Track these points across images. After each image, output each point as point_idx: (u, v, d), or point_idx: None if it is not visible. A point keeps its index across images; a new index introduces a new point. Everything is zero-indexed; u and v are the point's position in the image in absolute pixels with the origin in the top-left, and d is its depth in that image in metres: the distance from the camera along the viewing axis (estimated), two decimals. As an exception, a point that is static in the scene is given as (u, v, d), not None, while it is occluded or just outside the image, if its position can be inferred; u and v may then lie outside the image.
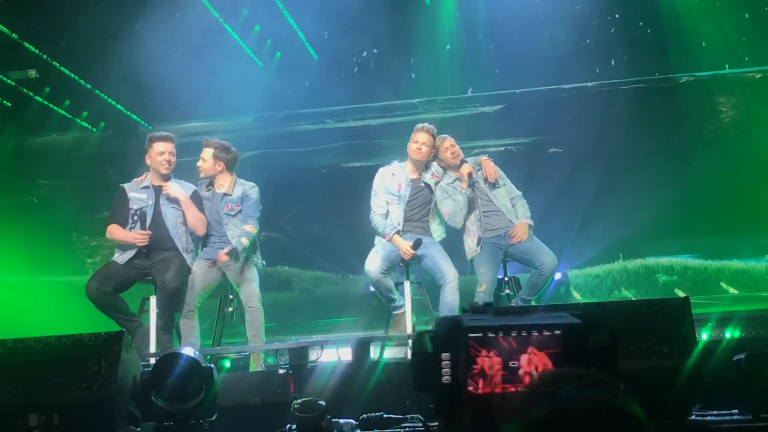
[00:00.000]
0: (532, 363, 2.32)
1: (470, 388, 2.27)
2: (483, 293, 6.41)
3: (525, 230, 6.58)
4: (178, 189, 6.57)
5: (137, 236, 6.35)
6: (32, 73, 11.06)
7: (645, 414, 1.44)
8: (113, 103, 11.85)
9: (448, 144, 6.85)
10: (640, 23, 10.77)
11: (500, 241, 6.64)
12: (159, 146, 6.56)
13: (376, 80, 11.49)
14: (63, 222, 12.40)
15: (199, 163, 6.76)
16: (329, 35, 10.76)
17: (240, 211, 6.67)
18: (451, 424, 2.36)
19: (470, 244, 6.70)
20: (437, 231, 6.82)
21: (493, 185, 6.79)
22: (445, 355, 2.29)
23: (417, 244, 6.45)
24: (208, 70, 11.15)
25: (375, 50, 10.97)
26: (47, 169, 12.71)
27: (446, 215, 6.72)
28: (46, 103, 11.61)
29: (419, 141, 6.75)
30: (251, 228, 6.60)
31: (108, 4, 9.90)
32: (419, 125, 6.86)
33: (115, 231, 6.52)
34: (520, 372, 2.29)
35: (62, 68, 10.95)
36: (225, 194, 6.71)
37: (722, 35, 10.67)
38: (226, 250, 6.42)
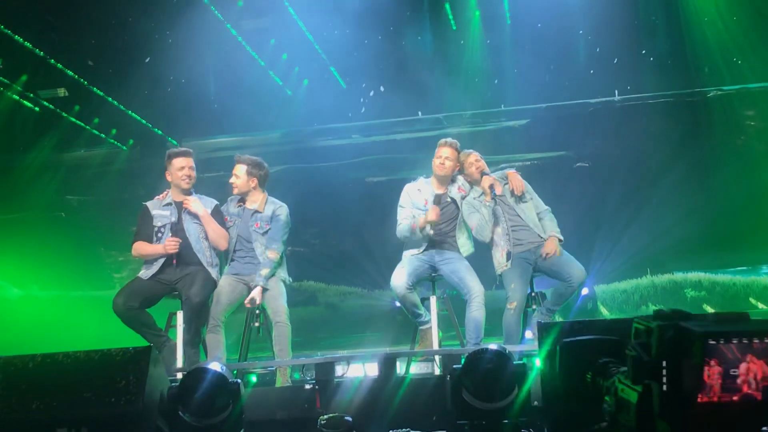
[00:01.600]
0: (751, 371, 2.26)
1: (695, 396, 2.21)
2: (513, 310, 6.34)
3: (556, 245, 6.51)
4: (198, 204, 6.61)
5: (168, 244, 6.39)
6: (62, 91, 11.19)
7: None
8: (141, 120, 11.96)
9: (473, 159, 6.83)
10: (667, 37, 10.74)
11: (529, 256, 6.56)
12: (179, 161, 6.61)
13: (402, 95, 11.53)
14: (91, 237, 12.51)
15: (232, 180, 6.78)
16: (355, 59, 10.88)
17: (269, 230, 6.70)
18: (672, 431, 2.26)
19: (499, 258, 6.63)
20: (465, 246, 6.77)
21: (520, 199, 6.73)
22: (669, 361, 2.20)
23: (437, 200, 6.55)
24: (235, 87, 11.27)
25: (401, 69, 11.00)
26: (76, 184, 12.84)
27: (474, 229, 6.68)
28: (75, 121, 11.73)
29: (442, 156, 6.74)
30: (274, 255, 6.59)
31: (135, 24, 10.02)
32: (442, 140, 6.86)
33: (141, 247, 6.56)
34: (740, 380, 2.21)
35: (92, 87, 11.08)
36: (256, 211, 6.73)
37: (747, 49, 10.61)
38: (254, 297, 6.43)
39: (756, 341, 2.21)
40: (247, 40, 10.86)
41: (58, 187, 12.77)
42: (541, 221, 6.71)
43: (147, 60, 10.46)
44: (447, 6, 10.76)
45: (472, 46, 11.08)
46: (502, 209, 6.70)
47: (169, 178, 6.68)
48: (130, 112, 11.66)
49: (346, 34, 10.48)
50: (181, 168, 6.60)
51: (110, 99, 11.35)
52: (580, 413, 4.06)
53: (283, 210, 6.79)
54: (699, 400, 2.18)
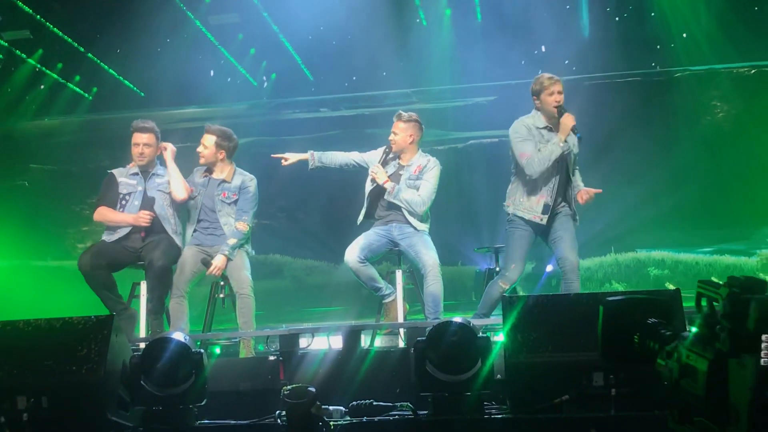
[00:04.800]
0: None
1: None
2: (503, 288, 6.15)
3: (591, 196, 6.31)
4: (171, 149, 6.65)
5: (141, 216, 6.37)
6: (26, 33, 10.87)
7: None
8: (106, 68, 11.62)
9: (557, 88, 6.26)
10: (635, 16, 10.79)
11: (538, 228, 6.27)
12: (135, 137, 6.61)
13: (370, 70, 11.50)
14: (54, 206, 12.37)
15: (200, 149, 6.73)
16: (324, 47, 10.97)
17: (236, 201, 6.65)
18: (719, 413, 2.20)
19: (533, 205, 6.21)
20: (417, 222, 6.65)
21: (573, 168, 6.43)
22: (765, 337, 2.09)
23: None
24: (203, 59, 11.24)
25: (368, 47, 10.98)
26: (39, 153, 12.66)
27: (526, 159, 6.14)
28: (38, 66, 11.41)
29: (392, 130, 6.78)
30: (243, 226, 6.59)
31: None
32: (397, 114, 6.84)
33: (106, 212, 6.52)
34: None
35: (55, 29, 10.77)
36: (223, 180, 6.69)
37: (716, 30, 10.68)
38: (218, 266, 6.40)
39: None
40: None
41: (22, 155, 12.59)
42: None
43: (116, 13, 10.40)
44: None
45: (440, 20, 11.08)
46: (561, 165, 6.26)
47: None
48: (94, 57, 11.35)
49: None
50: (135, 145, 6.59)
51: (75, 43, 11.04)
52: (543, 386, 4.11)
53: (252, 183, 6.76)
54: None
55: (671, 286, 10.62)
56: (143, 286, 6.47)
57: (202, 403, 4.27)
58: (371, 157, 6.85)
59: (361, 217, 6.83)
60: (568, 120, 6.13)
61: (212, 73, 11.66)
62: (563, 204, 6.32)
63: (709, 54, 10.94)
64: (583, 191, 6.37)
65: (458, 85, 11.60)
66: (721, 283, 2.22)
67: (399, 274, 6.68)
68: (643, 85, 11.45)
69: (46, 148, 12.58)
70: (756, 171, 10.69)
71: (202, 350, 4.32)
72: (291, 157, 6.90)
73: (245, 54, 11.64)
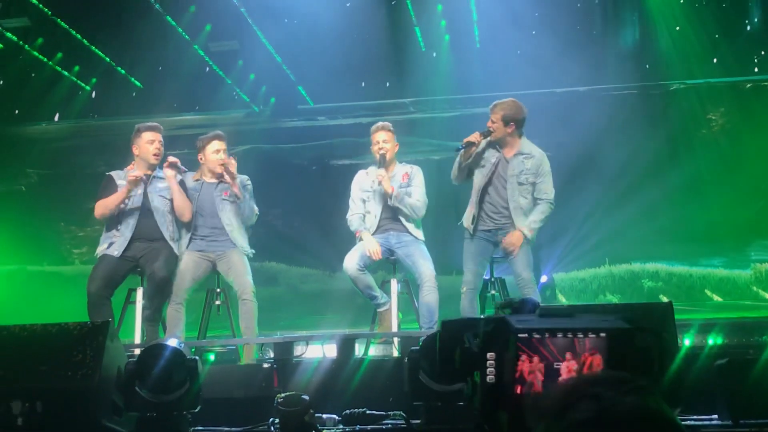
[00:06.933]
0: (576, 366, 2.30)
1: (515, 389, 2.24)
2: (464, 293, 6.33)
3: (517, 240, 6.32)
4: (176, 167, 6.61)
5: (131, 176, 6.35)
6: (24, 21, 10.81)
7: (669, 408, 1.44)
8: (106, 58, 11.57)
9: (383, 137, 6.82)
10: (631, 29, 10.84)
11: (492, 237, 6.49)
12: (148, 135, 6.57)
13: (368, 80, 11.55)
14: (51, 211, 12.37)
15: (224, 156, 6.69)
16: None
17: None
18: (492, 424, 2.33)
19: (467, 214, 6.57)
20: (413, 229, 6.72)
21: (519, 178, 6.47)
22: (491, 355, 2.26)
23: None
24: (200, 64, 11.28)
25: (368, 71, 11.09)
26: (36, 158, 12.65)
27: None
28: (37, 54, 11.33)
29: (380, 140, 6.79)
30: (255, 208, 6.74)
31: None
32: (374, 126, 6.91)
33: (105, 201, 6.48)
34: (563, 375, 2.28)
35: (57, 19, 10.74)
36: (220, 182, 6.70)
37: (711, 44, 10.74)
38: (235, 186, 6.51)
39: (581, 336, 2.26)
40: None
41: (19, 160, 12.59)
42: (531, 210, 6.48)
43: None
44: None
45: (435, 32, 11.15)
46: (489, 175, 6.49)
47: (136, 151, 6.61)
48: (95, 48, 11.32)
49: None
50: (150, 141, 6.55)
51: (75, 33, 11.01)
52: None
53: (249, 180, 6.82)
54: (518, 392, 2.24)
55: (665, 299, 10.68)
56: (139, 293, 6.46)
57: (196, 410, 4.28)
58: (362, 183, 6.89)
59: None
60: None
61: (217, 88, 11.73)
62: (505, 221, 6.45)
63: (706, 68, 11.01)
64: (511, 234, 6.40)
65: (455, 96, 11.65)
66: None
67: (394, 283, 6.68)
68: (638, 98, 11.49)
69: (42, 152, 12.57)
70: (750, 185, 10.73)
71: (196, 357, 4.33)
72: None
73: (245, 79, 11.78)
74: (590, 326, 2.29)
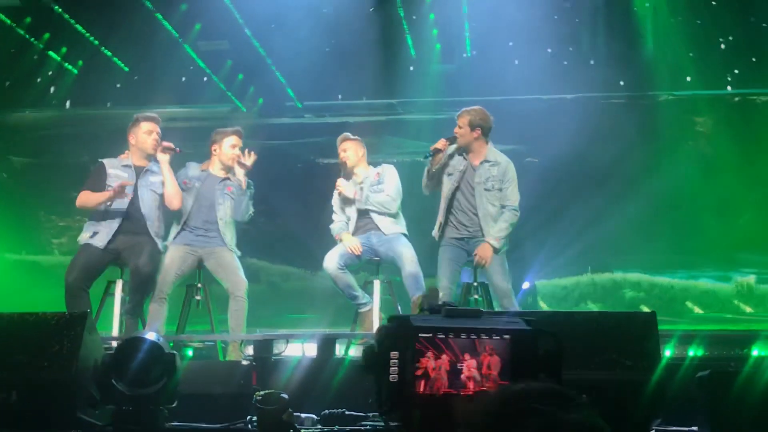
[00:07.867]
0: (479, 366, 2.32)
1: (416, 388, 2.27)
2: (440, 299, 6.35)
3: (487, 252, 6.39)
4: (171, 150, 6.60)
5: (118, 186, 6.27)
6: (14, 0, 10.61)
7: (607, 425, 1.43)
8: (94, 40, 11.41)
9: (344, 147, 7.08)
10: (623, 39, 10.84)
11: (464, 245, 6.58)
12: (147, 125, 6.55)
13: (355, 79, 11.51)
14: (32, 200, 12.26)
15: (237, 152, 6.76)
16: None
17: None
18: (395, 422, 2.36)
19: (437, 222, 6.68)
20: (390, 226, 6.81)
21: (485, 185, 6.57)
22: (394, 354, 2.29)
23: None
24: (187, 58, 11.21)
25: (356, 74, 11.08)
26: (18, 146, 12.55)
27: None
28: (26, 36, 11.14)
29: (340, 151, 7.01)
30: (251, 210, 6.86)
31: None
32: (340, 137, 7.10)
33: (89, 195, 6.41)
34: (465, 375, 2.32)
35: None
36: (226, 177, 6.71)
37: (701, 57, 10.78)
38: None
39: (484, 337, 2.31)
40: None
41: (2, 147, 12.48)
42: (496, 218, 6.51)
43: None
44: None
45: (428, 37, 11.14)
46: (456, 183, 6.59)
47: (132, 140, 6.57)
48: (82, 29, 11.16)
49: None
50: (149, 132, 6.54)
51: (64, 14, 10.80)
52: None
53: (252, 185, 6.91)
54: (420, 392, 2.28)
55: (646, 309, 10.70)
56: (118, 285, 6.41)
57: (173, 405, 4.24)
58: (344, 189, 6.96)
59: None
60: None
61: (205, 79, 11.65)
62: (475, 228, 6.51)
63: (693, 80, 11.04)
64: (481, 247, 6.45)
65: (443, 99, 11.63)
66: None
67: (377, 284, 6.71)
68: (626, 107, 11.51)
69: (26, 140, 12.47)
70: (735, 198, 10.76)
71: (175, 352, 4.30)
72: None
73: (234, 79, 11.70)
74: (494, 327, 2.34)
